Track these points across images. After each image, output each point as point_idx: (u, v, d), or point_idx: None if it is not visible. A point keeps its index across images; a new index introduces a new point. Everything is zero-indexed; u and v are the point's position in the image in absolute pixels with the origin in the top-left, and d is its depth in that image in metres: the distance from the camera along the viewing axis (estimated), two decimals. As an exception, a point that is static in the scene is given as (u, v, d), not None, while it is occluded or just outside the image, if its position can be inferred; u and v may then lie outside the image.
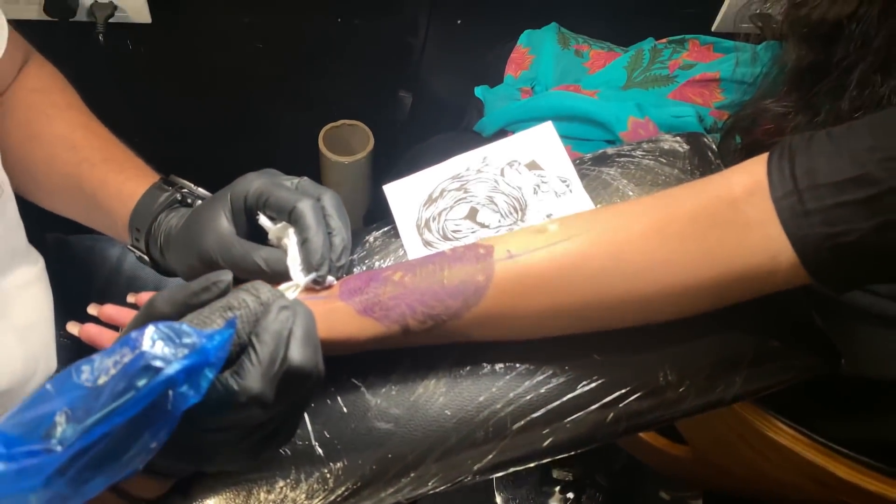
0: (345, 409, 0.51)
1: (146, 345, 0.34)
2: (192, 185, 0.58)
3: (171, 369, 0.33)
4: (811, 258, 0.44)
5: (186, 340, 0.35)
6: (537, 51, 0.96)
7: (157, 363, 0.33)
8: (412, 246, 0.56)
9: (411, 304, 0.49)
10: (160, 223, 0.56)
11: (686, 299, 0.47)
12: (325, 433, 0.50)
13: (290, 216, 0.49)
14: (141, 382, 0.33)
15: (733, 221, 0.46)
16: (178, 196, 0.57)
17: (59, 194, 0.61)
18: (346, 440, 0.50)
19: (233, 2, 1.08)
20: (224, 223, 0.50)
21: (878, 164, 0.42)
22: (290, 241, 0.49)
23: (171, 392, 0.34)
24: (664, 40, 0.92)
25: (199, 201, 0.57)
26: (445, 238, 0.56)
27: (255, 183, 0.50)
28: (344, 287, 0.50)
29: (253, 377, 0.37)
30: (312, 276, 0.48)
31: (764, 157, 0.47)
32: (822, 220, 0.43)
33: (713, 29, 1.07)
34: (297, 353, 0.38)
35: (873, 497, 0.58)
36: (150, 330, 0.34)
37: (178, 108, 1.22)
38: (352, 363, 0.51)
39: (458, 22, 1.23)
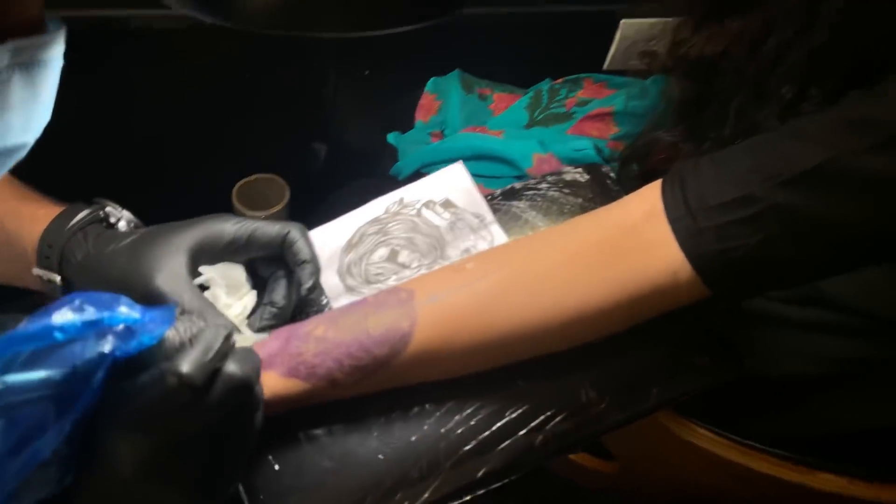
0: (276, 467, 0.50)
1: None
2: (118, 206, 0.56)
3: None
4: (708, 273, 0.48)
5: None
6: (444, 96, 1.00)
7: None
8: (334, 293, 0.57)
9: (338, 359, 0.49)
10: (78, 241, 0.53)
11: (601, 322, 0.50)
12: (259, 494, 0.49)
13: (283, 244, 0.52)
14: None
15: (635, 246, 0.49)
16: (101, 214, 0.55)
17: None
18: (278, 493, 0.49)
19: (143, 57, 1.08)
20: (182, 265, 0.49)
21: (759, 184, 0.46)
22: (250, 297, 0.50)
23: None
24: (560, 80, 0.98)
25: (123, 224, 0.55)
26: (368, 282, 0.58)
27: (228, 225, 0.51)
28: (264, 352, 0.49)
29: (184, 360, 0.38)
30: (263, 336, 0.50)
31: (658, 183, 0.51)
32: (714, 237, 0.47)
33: (605, 67, 1.15)
34: (234, 363, 0.39)
35: (795, 488, 0.63)
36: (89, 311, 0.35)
37: (87, 163, 1.19)
38: (284, 415, 0.51)
39: (366, 73, 1.26)
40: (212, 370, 0.39)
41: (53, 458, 0.38)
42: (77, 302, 0.37)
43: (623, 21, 1.20)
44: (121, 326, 0.38)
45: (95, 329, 0.37)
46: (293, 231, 0.53)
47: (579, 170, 0.63)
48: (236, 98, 1.20)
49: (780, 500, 0.64)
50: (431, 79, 1.03)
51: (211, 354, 0.39)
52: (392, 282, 0.56)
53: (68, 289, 0.54)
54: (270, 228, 0.53)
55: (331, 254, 0.59)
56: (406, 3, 0.42)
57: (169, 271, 0.49)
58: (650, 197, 0.50)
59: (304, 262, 0.53)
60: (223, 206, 1.32)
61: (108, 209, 0.56)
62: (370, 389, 0.51)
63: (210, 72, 1.14)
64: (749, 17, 0.63)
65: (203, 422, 0.39)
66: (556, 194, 0.60)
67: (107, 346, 0.37)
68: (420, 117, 1.00)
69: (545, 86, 0.96)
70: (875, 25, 0.54)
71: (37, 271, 0.54)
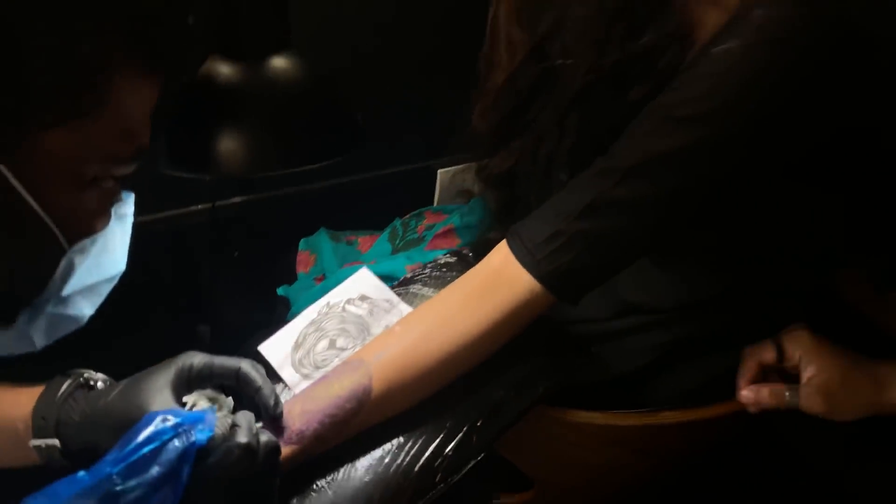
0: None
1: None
2: (90, 371, 0.64)
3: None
4: (550, 285, 0.71)
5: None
6: (317, 250, 1.22)
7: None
8: (293, 382, 0.74)
9: (320, 420, 0.66)
10: (70, 406, 0.60)
11: (495, 337, 0.72)
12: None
13: (236, 379, 0.62)
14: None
15: (501, 281, 0.73)
16: (82, 380, 0.62)
17: None
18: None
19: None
20: (169, 394, 0.60)
21: (561, 222, 0.72)
22: (228, 401, 0.63)
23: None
24: (407, 215, 1.24)
25: (101, 384, 0.63)
26: (317, 367, 0.75)
27: (196, 358, 0.62)
28: None
29: (240, 435, 0.53)
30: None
31: (503, 241, 0.75)
32: (546, 262, 0.71)
33: (435, 204, 1.44)
34: (266, 434, 0.56)
35: (662, 434, 0.83)
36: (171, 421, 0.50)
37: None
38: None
39: (236, 254, 1.45)
40: (256, 439, 0.54)
41: None
42: (160, 416, 0.52)
43: (440, 171, 1.52)
44: (191, 426, 0.53)
45: (178, 430, 0.52)
46: (243, 365, 0.62)
47: (448, 255, 0.86)
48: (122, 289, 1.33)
49: (661, 455, 0.86)
50: (302, 239, 1.25)
51: (253, 430, 0.55)
52: (337, 362, 0.75)
53: (68, 448, 0.61)
54: (226, 362, 0.63)
55: (283, 356, 0.76)
56: (320, 146, 0.65)
57: (161, 403, 0.58)
58: (501, 249, 0.74)
59: (258, 388, 0.63)
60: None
61: (85, 375, 0.64)
62: (347, 436, 0.68)
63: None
64: (524, 138, 0.87)
65: (255, 477, 0.55)
66: (438, 273, 0.83)
67: (191, 437, 0.51)
68: (301, 270, 1.20)
69: (397, 223, 1.22)
70: (599, 126, 0.83)
71: (34, 442, 0.61)
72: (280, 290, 1.18)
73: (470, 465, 0.69)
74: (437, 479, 0.68)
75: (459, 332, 0.71)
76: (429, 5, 1.42)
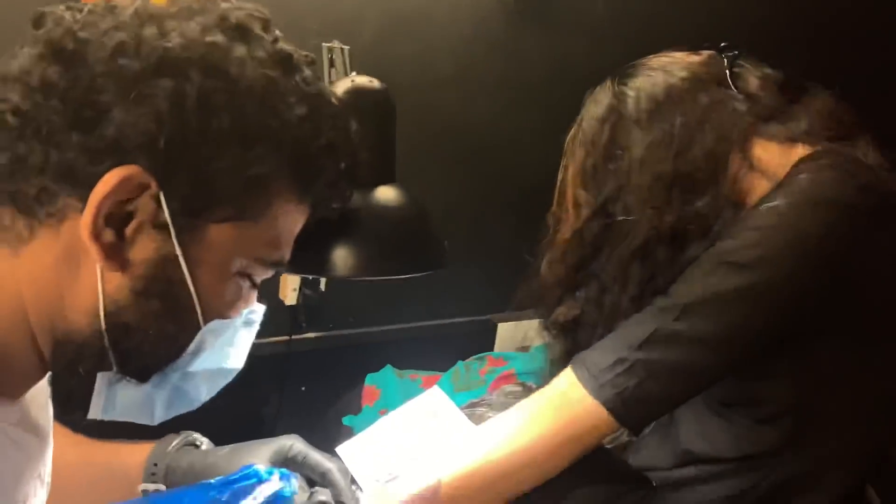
0: None
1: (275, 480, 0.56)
2: (196, 433, 0.75)
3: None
4: (613, 409, 0.76)
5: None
6: (382, 385, 1.29)
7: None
8: (367, 485, 0.79)
9: None
10: (180, 456, 0.71)
11: (554, 455, 0.76)
12: None
13: (322, 476, 0.69)
14: None
15: (566, 403, 0.78)
16: (190, 439, 0.74)
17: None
18: None
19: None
20: (267, 463, 0.68)
21: (625, 350, 0.78)
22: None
23: None
24: (470, 358, 1.31)
25: (205, 445, 0.74)
26: (390, 474, 0.80)
27: (297, 443, 0.71)
28: None
29: (322, 495, 0.60)
30: None
31: (568, 367, 0.82)
32: (610, 387, 0.77)
33: (494, 350, 1.51)
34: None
35: None
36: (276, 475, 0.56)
37: None
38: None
39: (303, 389, 1.52)
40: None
41: None
42: (259, 466, 0.60)
43: (500, 324, 1.61)
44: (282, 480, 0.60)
45: (271, 477, 0.59)
46: (334, 468, 0.71)
47: (514, 385, 0.92)
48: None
49: None
50: (368, 374, 1.32)
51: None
52: (407, 469, 0.79)
53: None
54: (321, 458, 0.71)
55: (359, 460, 0.81)
56: (413, 261, 0.74)
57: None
58: (566, 375, 0.80)
59: (340, 490, 0.69)
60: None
61: (193, 435, 0.76)
62: None
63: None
64: (589, 288, 0.94)
65: None
66: (504, 399, 0.89)
67: (281, 486, 0.59)
68: (366, 403, 1.26)
69: (460, 364, 1.29)
70: (659, 280, 0.90)
71: (143, 486, 0.72)
72: (345, 420, 1.24)
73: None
74: None
75: (522, 448, 0.76)
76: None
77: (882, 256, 0.78)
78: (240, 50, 0.51)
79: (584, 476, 0.79)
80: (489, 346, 1.60)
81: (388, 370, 1.32)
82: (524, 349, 1.54)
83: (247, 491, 0.57)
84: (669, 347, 0.77)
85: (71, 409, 0.57)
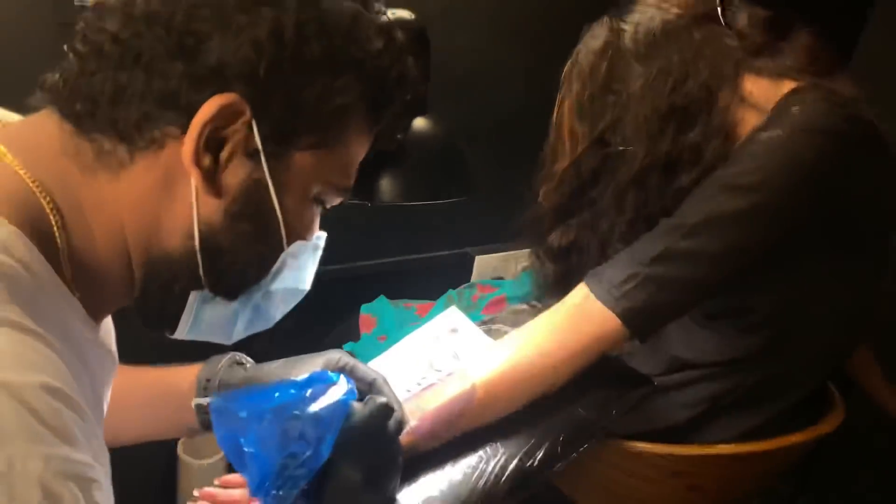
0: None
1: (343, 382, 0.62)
2: (240, 353, 0.78)
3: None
4: (627, 319, 0.84)
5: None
6: (378, 313, 1.34)
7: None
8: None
9: (434, 418, 0.79)
10: (230, 372, 0.75)
11: (577, 360, 0.84)
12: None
13: (370, 386, 0.74)
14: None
15: (582, 314, 0.85)
16: (237, 358, 0.78)
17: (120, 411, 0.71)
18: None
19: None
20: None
21: (636, 265, 0.85)
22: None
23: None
24: (460, 287, 1.37)
25: (249, 365, 0.78)
26: (419, 385, 0.87)
27: (344, 355, 0.76)
28: None
29: (382, 398, 0.67)
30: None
31: (582, 283, 0.89)
32: (624, 299, 0.84)
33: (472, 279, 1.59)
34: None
35: (714, 464, 0.92)
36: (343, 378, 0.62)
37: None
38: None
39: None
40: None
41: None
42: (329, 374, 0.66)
43: (477, 257, 1.68)
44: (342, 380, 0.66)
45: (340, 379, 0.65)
46: (378, 378, 0.75)
47: (520, 304, 1.00)
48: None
49: (713, 492, 0.95)
50: (363, 305, 1.38)
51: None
52: (436, 380, 0.86)
53: None
54: (367, 369, 0.76)
55: (387, 375, 0.87)
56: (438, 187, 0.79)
57: None
58: (581, 289, 0.88)
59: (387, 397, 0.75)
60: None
61: (239, 355, 0.79)
62: (454, 435, 0.78)
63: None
64: (584, 215, 1.01)
65: (386, 439, 0.66)
66: (514, 317, 0.96)
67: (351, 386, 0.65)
68: (364, 331, 1.32)
69: (452, 292, 1.35)
70: (653, 206, 0.98)
71: (197, 401, 0.75)
72: (346, 346, 1.29)
73: (554, 468, 0.79)
74: (523, 484, 0.78)
75: (548, 353, 0.83)
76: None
77: (865, 179, 0.88)
78: None
79: (596, 378, 0.87)
80: (467, 278, 1.68)
81: (383, 300, 1.38)
82: (498, 278, 1.62)
83: (322, 391, 0.63)
84: (678, 263, 0.84)
85: (159, 327, 0.60)
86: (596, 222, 1.00)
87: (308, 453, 0.61)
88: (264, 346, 1.51)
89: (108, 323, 0.65)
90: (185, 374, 0.78)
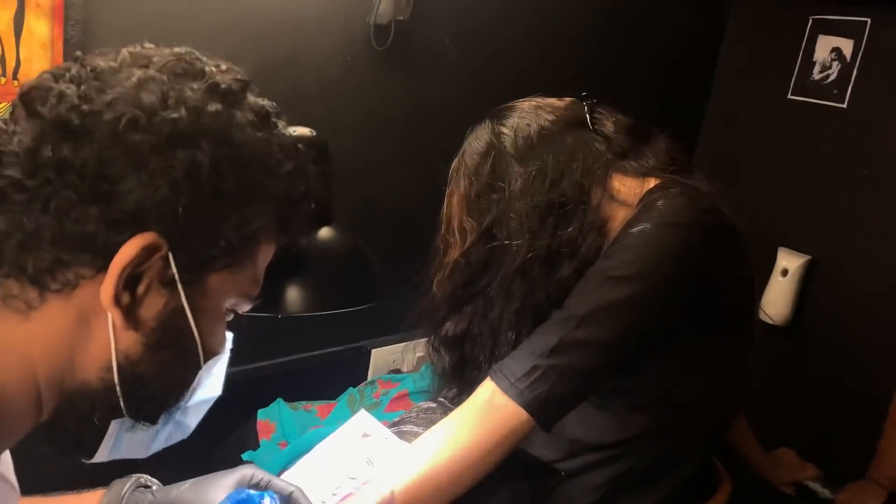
0: None
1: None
2: (146, 476, 0.74)
3: None
4: (533, 411, 0.88)
5: None
6: (276, 418, 1.31)
7: None
8: None
9: None
10: (137, 499, 0.71)
11: (492, 456, 0.86)
12: None
13: (288, 500, 0.72)
14: None
15: (492, 410, 0.88)
16: (142, 481, 0.74)
17: None
18: None
19: None
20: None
21: (536, 358, 0.90)
22: None
23: None
24: (361, 385, 1.37)
25: (156, 486, 0.74)
26: (333, 495, 0.85)
27: (257, 471, 0.73)
28: None
29: None
30: None
31: (488, 379, 0.92)
32: (529, 391, 0.88)
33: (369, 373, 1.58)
34: None
35: None
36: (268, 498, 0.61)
37: None
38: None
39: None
40: None
41: None
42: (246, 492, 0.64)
43: (373, 350, 1.68)
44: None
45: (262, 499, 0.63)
46: (295, 491, 0.75)
47: (428, 402, 1.01)
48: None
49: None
50: (259, 410, 1.33)
51: None
52: (351, 489, 0.85)
53: None
54: (281, 483, 0.75)
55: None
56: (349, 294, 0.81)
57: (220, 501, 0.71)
58: (488, 385, 0.91)
59: None
60: None
61: (143, 477, 0.76)
62: None
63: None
64: (476, 304, 1.06)
65: None
66: (424, 416, 0.97)
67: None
68: (263, 437, 1.27)
69: (353, 390, 1.34)
70: (538, 295, 1.04)
71: None
72: (245, 456, 1.24)
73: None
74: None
75: (464, 453, 0.85)
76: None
77: (724, 265, 0.98)
78: (237, 116, 0.55)
79: (506, 474, 0.89)
80: (364, 372, 1.66)
81: (280, 403, 1.34)
82: (396, 371, 1.63)
83: None
84: (574, 352, 0.90)
85: (75, 454, 0.58)
86: (486, 311, 1.05)
87: None
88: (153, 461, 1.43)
89: (6, 455, 0.60)
90: (88, 501, 0.74)
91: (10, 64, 1.07)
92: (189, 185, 0.52)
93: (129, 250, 0.51)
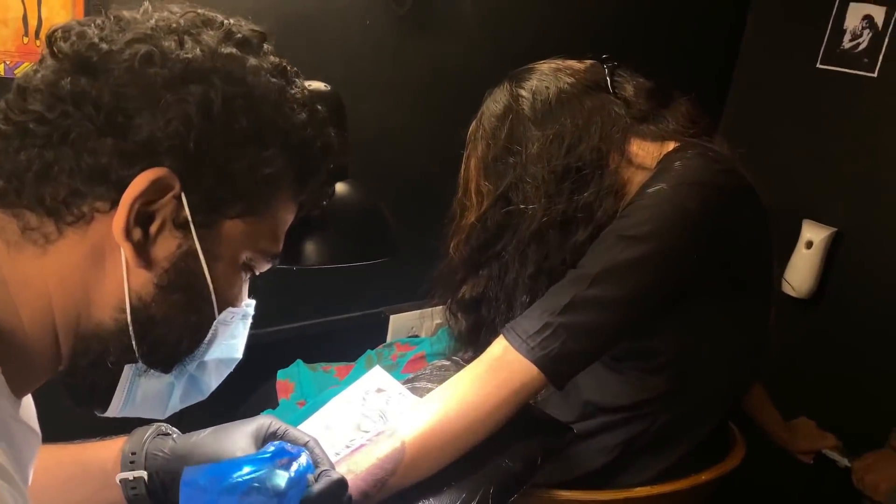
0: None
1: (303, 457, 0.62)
2: (166, 424, 0.76)
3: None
4: (543, 367, 0.88)
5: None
6: (295, 378, 1.32)
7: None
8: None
9: (365, 479, 0.79)
10: (157, 444, 0.73)
11: (501, 411, 0.87)
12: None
13: (305, 446, 0.73)
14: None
15: (503, 366, 0.89)
16: (162, 428, 0.76)
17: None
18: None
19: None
20: (251, 441, 0.73)
21: (548, 316, 0.90)
22: None
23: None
24: (378, 347, 1.38)
25: (175, 434, 0.76)
26: (347, 447, 0.86)
27: (274, 420, 0.75)
28: None
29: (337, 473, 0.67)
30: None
31: (501, 336, 0.92)
32: (539, 349, 0.89)
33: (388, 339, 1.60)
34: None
35: None
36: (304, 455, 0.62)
37: None
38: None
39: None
40: None
41: None
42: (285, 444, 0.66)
43: (392, 316, 1.69)
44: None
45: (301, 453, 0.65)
46: (311, 441, 0.75)
47: (442, 360, 1.02)
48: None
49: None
50: (279, 370, 1.35)
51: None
52: (364, 441, 0.86)
53: (153, 479, 0.73)
54: (297, 433, 0.76)
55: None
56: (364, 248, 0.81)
57: (246, 446, 0.72)
58: (500, 343, 0.91)
59: (318, 462, 0.74)
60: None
61: (164, 425, 0.77)
62: (385, 495, 0.79)
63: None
64: (492, 268, 1.07)
65: None
66: (438, 373, 0.98)
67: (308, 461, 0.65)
68: (282, 397, 1.29)
69: (371, 352, 1.36)
70: (553, 260, 1.04)
71: (122, 475, 0.73)
72: (264, 413, 1.26)
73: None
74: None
75: (473, 406, 0.85)
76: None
77: (741, 226, 0.97)
78: (251, 60, 0.56)
79: (519, 429, 0.90)
80: (383, 338, 1.68)
81: (299, 364, 1.36)
82: (414, 336, 1.64)
83: (286, 466, 0.64)
84: (586, 310, 0.90)
85: (89, 404, 0.59)
86: (502, 275, 1.05)
87: None
88: (176, 418, 1.46)
89: (28, 400, 0.62)
90: (108, 450, 0.76)
91: (32, 23, 1.08)
92: (200, 120, 0.53)
93: (140, 183, 0.52)
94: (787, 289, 1.84)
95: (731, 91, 2.10)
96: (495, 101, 1.08)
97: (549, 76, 1.06)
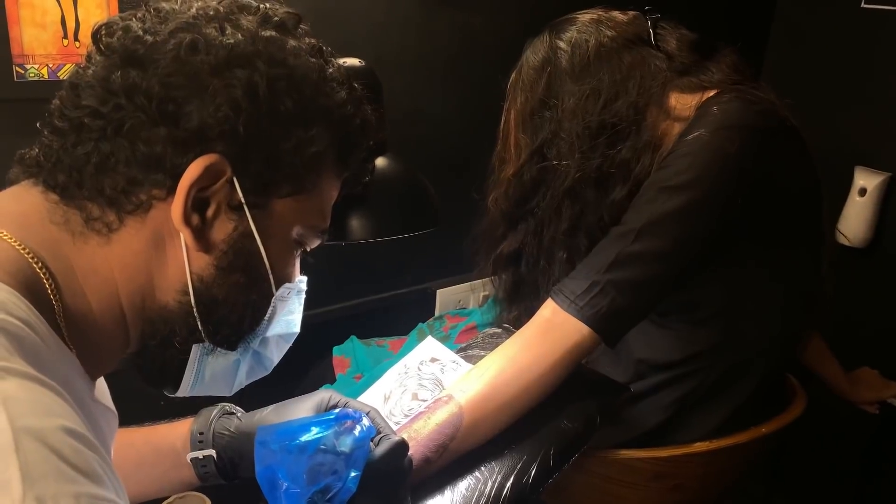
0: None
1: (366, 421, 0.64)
2: (229, 403, 0.79)
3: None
4: (594, 325, 0.88)
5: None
6: (350, 354, 1.35)
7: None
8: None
9: (426, 444, 0.80)
10: (223, 423, 0.77)
11: (555, 372, 0.87)
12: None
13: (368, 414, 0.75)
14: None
15: (553, 328, 0.89)
16: (227, 408, 0.79)
17: None
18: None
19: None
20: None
21: (595, 275, 0.90)
22: None
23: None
24: (429, 320, 1.39)
25: (239, 413, 0.80)
26: (406, 416, 0.88)
27: (334, 394, 0.78)
28: None
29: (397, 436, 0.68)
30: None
31: (549, 299, 0.92)
32: (589, 307, 0.88)
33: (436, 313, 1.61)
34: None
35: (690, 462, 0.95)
36: (366, 419, 0.64)
37: None
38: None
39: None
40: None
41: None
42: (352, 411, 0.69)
43: (438, 291, 1.70)
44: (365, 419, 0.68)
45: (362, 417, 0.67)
46: (371, 410, 0.77)
47: (493, 328, 1.02)
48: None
49: (694, 489, 0.99)
50: (334, 347, 1.38)
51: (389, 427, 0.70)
52: (421, 409, 0.88)
53: (222, 457, 0.77)
54: (358, 405, 0.77)
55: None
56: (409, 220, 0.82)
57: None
58: (548, 305, 0.91)
59: (379, 430, 0.76)
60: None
61: (228, 405, 0.81)
62: (446, 460, 0.80)
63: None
64: (529, 223, 1.06)
65: (398, 472, 0.68)
66: (490, 340, 0.99)
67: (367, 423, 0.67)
68: (339, 372, 1.31)
69: (423, 325, 1.37)
70: (589, 216, 1.02)
71: (193, 454, 0.76)
72: (324, 388, 1.29)
73: (549, 481, 0.81)
74: (521, 499, 0.80)
75: (527, 368, 0.86)
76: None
77: (784, 168, 0.95)
78: (291, 42, 0.58)
79: (574, 390, 0.90)
80: (431, 312, 1.69)
81: (354, 340, 1.38)
82: (463, 308, 1.65)
83: (350, 429, 0.66)
84: (632, 266, 0.89)
85: (161, 384, 0.61)
86: (539, 231, 1.05)
87: (338, 487, 0.63)
88: (237, 398, 1.50)
89: (101, 382, 0.65)
90: (177, 431, 0.79)
91: (71, 26, 1.11)
92: (248, 104, 0.54)
93: (195, 169, 0.54)
94: (840, 238, 1.80)
95: (770, 39, 2.03)
96: (534, 53, 1.06)
97: (589, 28, 1.04)
